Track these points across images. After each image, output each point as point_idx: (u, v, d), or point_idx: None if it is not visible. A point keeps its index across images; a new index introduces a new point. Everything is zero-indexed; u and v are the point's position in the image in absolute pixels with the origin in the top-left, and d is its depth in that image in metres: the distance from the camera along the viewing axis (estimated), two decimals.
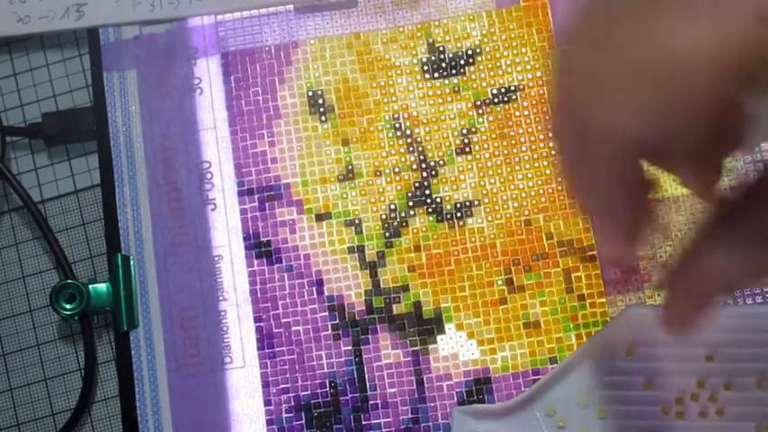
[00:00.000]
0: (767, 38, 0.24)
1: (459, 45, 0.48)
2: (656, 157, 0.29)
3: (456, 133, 0.47)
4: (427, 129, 0.47)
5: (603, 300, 0.45)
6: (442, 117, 0.47)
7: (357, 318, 0.46)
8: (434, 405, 0.45)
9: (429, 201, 0.47)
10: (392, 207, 0.47)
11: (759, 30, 0.24)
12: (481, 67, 0.48)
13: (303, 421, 0.45)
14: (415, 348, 0.45)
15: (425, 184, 0.47)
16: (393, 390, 0.45)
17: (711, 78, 0.25)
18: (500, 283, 0.46)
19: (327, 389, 0.45)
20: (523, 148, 0.47)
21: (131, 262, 0.47)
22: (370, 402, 0.45)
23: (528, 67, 0.48)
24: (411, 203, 0.47)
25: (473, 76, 0.48)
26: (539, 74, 0.48)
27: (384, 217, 0.47)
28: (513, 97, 0.47)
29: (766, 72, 0.25)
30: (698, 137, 0.27)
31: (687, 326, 0.31)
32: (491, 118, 0.47)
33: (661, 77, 0.25)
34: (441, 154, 0.47)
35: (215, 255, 0.47)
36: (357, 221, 0.47)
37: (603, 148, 0.28)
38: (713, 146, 0.28)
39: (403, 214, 0.47)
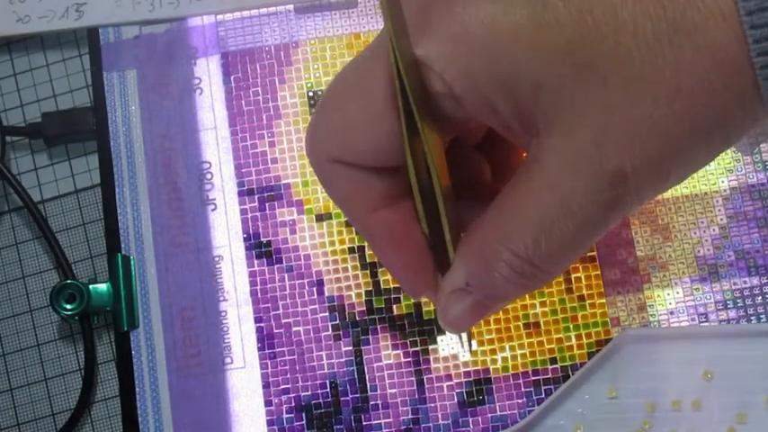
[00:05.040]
0: None
1: None
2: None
3: None
4: None
5: (603, 300, 0.45)
6: None
7: (357, 318, 0.46)
8: (435, 406, 0.45)
9: None
10: None
11: None
12: None
13: (304, 422, 0.45)
14: (416, 349, 0.45)
15: None
16: (393, 390, 0.45)
17: None
18: None
19: (328, 389, 0.45)
20: None
21: (131, 262, 0.47)
22: (371, 403, 0.45)
23: None
24: None
25: None
26: None
27: None
28: None
29: None
30: None
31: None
32: None
33: None
34: None
35: (215, 255, 0.47)
36: None
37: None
38: None
39: None
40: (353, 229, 0.46)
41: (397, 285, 0.46)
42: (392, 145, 0.29)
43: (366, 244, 0.46)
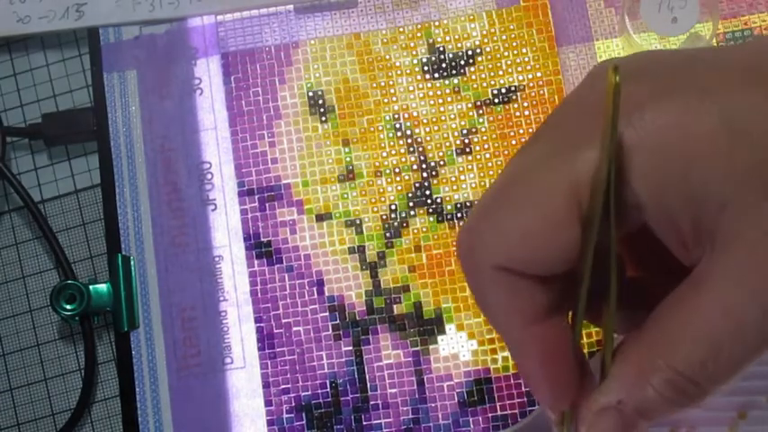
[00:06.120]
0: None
1: (459, 45, 0.48)
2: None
3: (456, 133, 0.47)
4: (427, 129, 0.47)
5: None
6: (443, 117, 0.47)
7: (358, 318, 0.46)
8: (435, 405, 0.45)
9: (429, 201, 0.47)
10: (392, 207, 0.47)
11: None
12: (481, 67, 0.48)
13: (304, 422, 0.45)
14: (416, 349, 0.45)
15: (426, 184, 0.47)
16: (394, 390, 0.45)
17: None
18: None
19: (328, 389, 0.45)
20: None
21: (131, 262, 0.47)
22: (371, 403, 0.45)
23: (528, 67, 0.48)
24: (411, 204, 0.47)
25: (473, 77, 0.48)
26: (539, 74, 0.48)
27: (384, 217, 0.47)
28: (513, 97, 0.47)
29: None
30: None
31: None
32: (491, 118, 0.47)
33: None
34: (441, 154, 0.47)
35: (215, 255, 0.47)
36: (357, 222, 0.47)
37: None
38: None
39: (403, 214, 0.47)
40: (361, 233, 0.47)
41: (398, 285, 0.46)
42: (568, 253, 0.28)
43: (366, 244, 0.46)
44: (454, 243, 0.46)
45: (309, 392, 0.45)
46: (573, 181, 0.27)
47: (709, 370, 0.28)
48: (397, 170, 0.47)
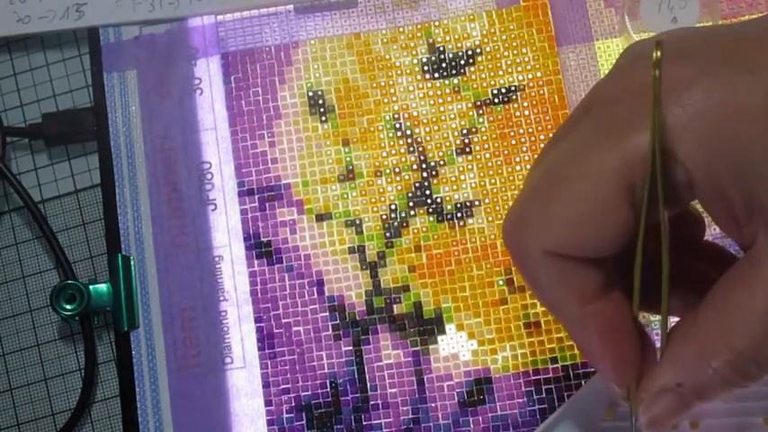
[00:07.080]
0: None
1: (459, 45, 0.48)
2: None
3: (456, 133, 0.47)
4: (427, 129, 0.47)
5: None
6: (443, 117, 0.48)
7: (357, 318, 0.46)
8: (435, 405, 0.45)
9: (429, 201, 0.47)
10: (392, 207, 0.47)
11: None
12: (481, 67, 0.48)
13: (304, 422, 0.45)
14: (416, 348, 0.45)
15: (426, 184, 0.47)
16: (394, 390, 0.45)
17: None
18: (500, 283, 0.46)
19: (328, 389, 0.45)
20: (523, 148, 0.47)
21: (131, 262, 0.47)
22: (371, 403, 0.45)
23: (528, 67, 0.48)
24: (411, 204, 0.47)
25: (473, 76, 0.48)
26: (539, 74, 0.48)
27: (384, 217, 0.47)
28: (513, 97, 0.47)
29: None
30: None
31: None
32: (491, 118, 0.47)
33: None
34: (441, 154, 0.47)
35: (215, 255, 0.47)
36: (357, 222, 0.47)
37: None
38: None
39: (403, 214, 0.47)
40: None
41: (398, 285, 0.46)
42: (620, 236, 0.28)
43: (366, 244, 0.46)
44: (454, 242, 0.46)
45: (309, 392, 0.45)
46: (625, 165, 0.28)
47: None
48: (397, 170, 0.47)
